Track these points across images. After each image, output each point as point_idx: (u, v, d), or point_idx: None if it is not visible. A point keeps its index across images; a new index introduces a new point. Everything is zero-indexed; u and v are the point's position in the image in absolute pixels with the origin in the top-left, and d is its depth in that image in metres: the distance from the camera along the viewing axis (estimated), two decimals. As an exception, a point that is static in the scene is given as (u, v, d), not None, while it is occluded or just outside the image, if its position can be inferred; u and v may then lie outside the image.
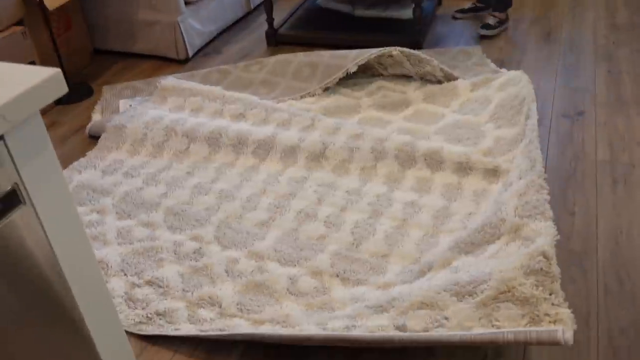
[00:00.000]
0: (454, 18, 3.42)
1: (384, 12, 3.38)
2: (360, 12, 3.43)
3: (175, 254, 1.80)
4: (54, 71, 0.92)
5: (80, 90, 2.83)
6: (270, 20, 3.20)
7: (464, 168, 2.03)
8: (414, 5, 2.96)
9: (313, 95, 2.62)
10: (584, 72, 2.70)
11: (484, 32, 3.17)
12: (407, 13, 3.31)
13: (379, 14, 3.38)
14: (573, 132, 2.28)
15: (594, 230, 1.81)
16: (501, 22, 3.21)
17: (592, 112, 2.39)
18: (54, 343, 1.01)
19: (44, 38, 2.85)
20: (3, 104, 0.83)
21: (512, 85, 2.45)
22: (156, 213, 1.98)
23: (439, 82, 2.62)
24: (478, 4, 3.41)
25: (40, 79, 0.89)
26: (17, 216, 0.88)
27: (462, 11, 3.42)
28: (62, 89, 0.94)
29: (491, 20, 3.22)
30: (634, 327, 1.51)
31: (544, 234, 1.45)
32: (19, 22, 2.63)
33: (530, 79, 2.53)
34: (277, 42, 3.25)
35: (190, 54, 3.11)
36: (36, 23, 2.79)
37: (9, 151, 0.87)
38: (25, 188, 0.89)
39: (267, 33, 3.23)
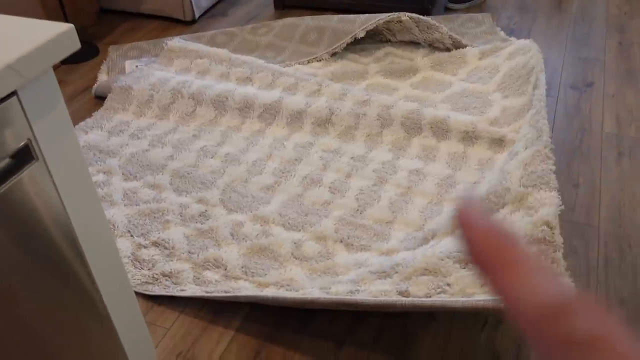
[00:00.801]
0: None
1: None
2: None
3: (181, 216, 1.82)
4: (67, 26, 0.92)
5: (86, 50, 2.81)
6: None
7: (469, 137, 2.03)
8: None
9: (320, 60, 2.61)
10: (595, 42, 2.67)
11: (452, 5, 3.13)
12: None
13: None
14: (581, 103, 2.27)
15: (597, 202, 1.82)
16: None
17: (600, 84, 2.37)
18: (64, 301, 1.04)
19: (49, -4, 2.82)
20: (17, 59, 0.82)
21: (521, 54, 2.43)
22: (162, 175, 1.99)
23: (447, 49, 2.60)
24: None
25: (54, 34, 0.89)
26: (29, 172, 0.89)
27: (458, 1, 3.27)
28: (75, 44, 0.93)
29: None
30: (634, 298, 1.53)
31: (548, 204, 1.46)
32: (24, -21, 2.60)
33: (539, 49, 2.51)
34: (284, 5, 3.21)
35: (197, 15, 3.07)
36: (41, -20, 2.76)
37: (22, 107, 0.87)
38: (37, 144, 0.90)
39: None
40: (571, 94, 2.33)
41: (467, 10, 3.04)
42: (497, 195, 1.62)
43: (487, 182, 1.80)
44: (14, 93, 0.85)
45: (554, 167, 1.78)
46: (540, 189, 1.59)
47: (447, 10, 3.24)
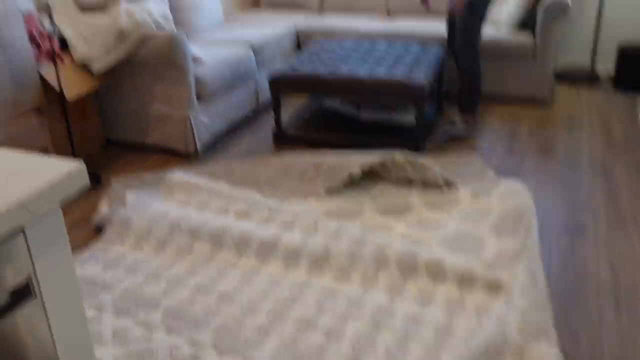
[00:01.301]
0: (447, 133, 3.45)
1: (388, 117, 3.50)
2: (365, 115, 3.55)
3: (170, 358, 1.77)
4: (77, 165, 0.94)
5: (89, 180, 2.87)
6: (277, 120, 3.31)
7: (466, 280, 2.04)
8: (416, 112, 3.08)
9: (316, 197, 2.67)
10: (583, 186, 2.77)
11: (450, 128, 3.36)
12: (409, 119, 3.43)
13: (382, 118, 3.51)
14: (574, 248, 2.31)
15: (598, 353, 1.79)
16: (468, 122, 3.38)
17: (592, 228, 2.43)
18: None
19: (59, 126, 2.93)
20: (28, 197, 0.84)
21: (512, 196, 2.51)
22: (155, 313, 1.95)
23: (440, 188, 2.68)
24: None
25: (64, 173, 0.91)
26: (25, 310, 0.88)
27: (453, 124, 3.49)
28: (84, 182, 0.96)
29: (457, 118, 3.40)
30: None
31: (548, 361, 1.44)
32: (38, 110, 2.72)
33: (530, 191, 2.60)
34: (283, 141, 3.35)
35: (199, 148, 3.19)
36: (54, 111, 2.89)
37: (27, 243, 0.88)
38: (37, 281, 0.89)
39: (274, 132, 3.33)
40: (564, 238, 2.37)
41: (457, 144, 3.19)
42: (496, 348, 1.59)
43: (484, 331, 1.78)
44: (20, 230, 0.86)
45: (552, 317, 1.77)
46: (540, 341, 1.57)
47: (447, 133, 3.41)
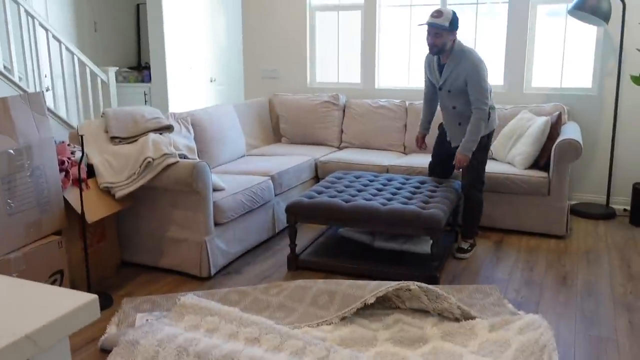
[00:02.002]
0: (455, 258, 3.51)
1: (403, 246, 3.51)
2: (379, 243, 3.56)
3: None
4: (90, 298, 0.96)
5: (100, 301, 2.86)
6: (292, 245, 3.34)
7: (484, 418, 1.92)
8: (431, 241, 3.09)
9: (330, 324, 2.61)
10: (604, 320, 2.68)
11: (460, 255, 3.49)
12: (424, 248, 3.44)
13: (397, 247, 3.51)
14: (598, 385, 2.18)
15: None
16: (472, 246, 3.56)
17: (616, 365, 2.31)
18: None
19: (76, 248, 2.99)
20: (36, 330, 0.85)
21: (531, 329, 2.43)
22: None
23: (457, 319, 2.61)
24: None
25: (75, 306, 0.93)
26: None
27: (461, 251, 3.55)
28: (95, 314, 0.96)
29: (464, 245, 3.53)
30: None
31: None
32: (58, 232, 2.79)
33: (549, 325, 2.51)
34: (297, 266, 3.35)
35: (213, 272, 3.19)
36: (73, 233, 2.95)
37: None
38: None
39: (288, 257, 3.34)
40: (587, 374, 2.25)
41: (474, 274, 3.14)
42: None
43: None
44: None
45: None
46: None
47: (455, 259, 3.41)
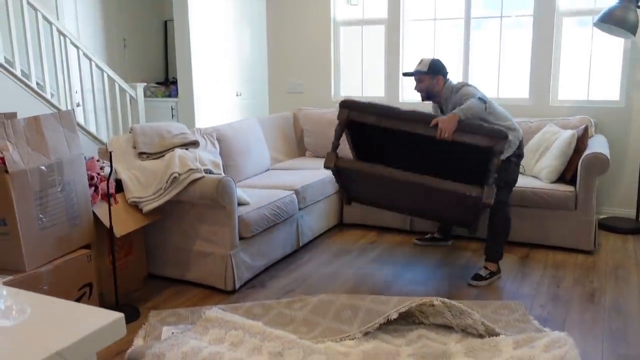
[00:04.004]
0: (415, 244, 3.81)
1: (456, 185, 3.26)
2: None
3: None
4: (116, 316, 1.00)
5: (127, 313, 2.91)
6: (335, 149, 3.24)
7: None
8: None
9: (353, 339, 2.62)
10: (632, 339, 2.63)
11: (474, 283, 3.31)
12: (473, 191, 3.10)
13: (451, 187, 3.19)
14: (626, 405, 2.14)
15: None
16: (492, 274, 3.36)
17: (645, 385, 2.27)
18: None
19: (105, 261, 3.05)
20: (65, 347, 0.89)
21: (557, 347, 2.40)
22: None
23: (481, 335, 2.59)
24: (437, 235, 3.94)
25: (103, 323, 0.97)
26: None
27: (422, 239, 3.88)
28: (121, 332, 1.00)
29: (483, 272, 3.35)
30: None
31: None
32: (87, 246, 2.86)
33: (575, 342, 2.48)
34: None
35: (238, 286, 3.23)
36: (101, 246, 3.02)
37: None
38: None
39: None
40: (615, 394, 2.22)
41: (499, 290, 3.11)
42: None
43: None
44: None
45: None
46: None
47: (470, 286, 3.31)
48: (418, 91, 3.41)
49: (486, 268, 3.37)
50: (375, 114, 3.08)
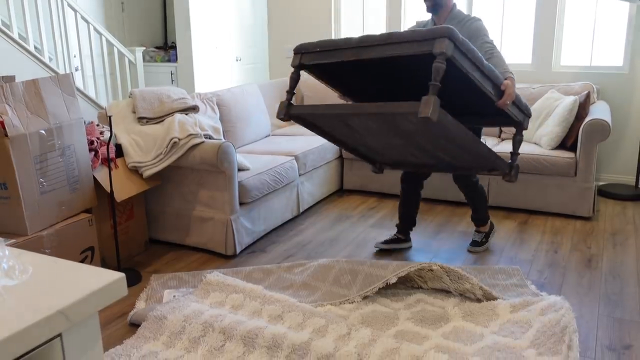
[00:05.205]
0: (376, 247, 3.33)
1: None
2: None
3: None
4: (117, 276, 1.01)
5: (129, 277, 2.95)
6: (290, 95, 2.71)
7: (503, 397, 1.94)
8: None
9: (352, 302, 2.65)
10: (629, 302, 2.66)
11: (473, 249, 3.31)
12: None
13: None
14: (620, 367, 2.19)
15: None
16: (487, 235, 3.35)
17: (638, 349, 2.31)
18: None
19: (106, 225, 3.07)
20: (68, 305, 0.90)
21: (553, 310, 2.43)
22: (181, 413, 1.92)
23: (478, 300, 2.62)
24: (399, 236, 3.37)
25: (104, 283, 0.98)
26: None
27: (384, 242, 3.34)
28: (123, 291, 1.01)
29: (477, 237, 3.35)
30: None
31: None
32: (88, 210, 2.87)
33: (571, 307, 2.51)
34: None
35: (238, 250, 3.26)
36: (102, 211, 3.04)
37: (62, 348, 0.92)
38: None
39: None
40: (609, 356, 2.26)
41: (497, 254, 3.14)
42: None
43: None
44: (58, 335, 0.90)
45: None
46: None
47: (469, 252, 3.32)
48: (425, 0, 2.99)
49: (479, 232, 3.38)
50: (330, 49, 2.52)
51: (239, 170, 3.31)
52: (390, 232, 3.63)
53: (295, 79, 2.65)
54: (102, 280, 0.99)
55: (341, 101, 3.23)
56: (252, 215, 3.39)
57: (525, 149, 3.92)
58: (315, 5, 5.46)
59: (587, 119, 3.73)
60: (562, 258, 3.19)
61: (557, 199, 3.84)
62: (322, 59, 2.55)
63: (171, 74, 6.04)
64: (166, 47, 6.54)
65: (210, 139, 3.33)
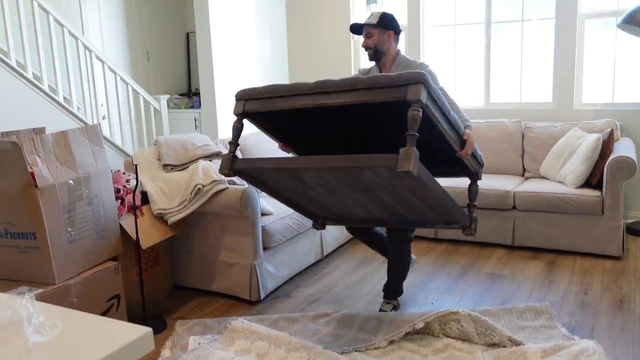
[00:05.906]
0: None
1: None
2: None
3: None
4: (145, 331, 1.02)
5: (154, 325, 2.95)
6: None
7: None
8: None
9: (377, 348, 2.61)
10: (665, 346, 2.58)
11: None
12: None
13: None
14: (659, 416, 2.10)
15: None
16: (396, 308, 3.06)
17: (678, 394, 2.22)
18: None
19: (132, 273, 3.10)
20: (96, 361, 0.91)
21: (586, 356, 2.36)
22: None
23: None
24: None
25: (131, 339, 0.99)
26: None
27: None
28: (150, 347, 1.02)
29: (386, 307, 3.04)
30: None
31: None
32: (114, 258, 2.90)
33: (604, 351, 2.44)
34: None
35: (263, 296, 3.25)
36: (128, 258, 3.07)
37: None
38: None
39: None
40: (647, 404, 2.17)
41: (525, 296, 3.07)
42: None
43: None
44: None
45: None
46: None
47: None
48: (365, 48, 2.91)
49: (388, 303, 3.06)
50: (280, 95, 2.30)
51: (263, 214, 3.33)
52: (417, 275, 3.59)
53: (238, 129, 2.41)
54: (130, 335, 1.00)
55: (283, 153, 2.97)
56: (276, 260, 3.39)
57: (550, 187, 3.88)
58: (334, 45, 5.56)
59: (611, 157, 3.70)
60: (592, 299, 3.11)
61: (585, 238, 3.77)
62: (269, 107, 2.30)
63: (195, 120, 6.16)
64: (190, 94, 6.70)
65: (233, 184, 3.37)
